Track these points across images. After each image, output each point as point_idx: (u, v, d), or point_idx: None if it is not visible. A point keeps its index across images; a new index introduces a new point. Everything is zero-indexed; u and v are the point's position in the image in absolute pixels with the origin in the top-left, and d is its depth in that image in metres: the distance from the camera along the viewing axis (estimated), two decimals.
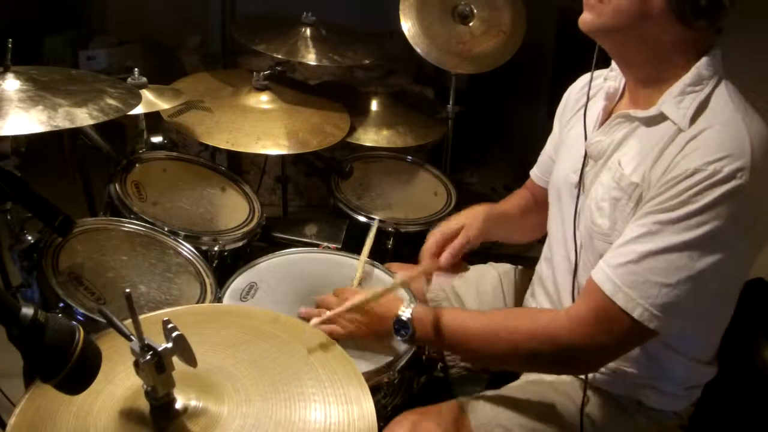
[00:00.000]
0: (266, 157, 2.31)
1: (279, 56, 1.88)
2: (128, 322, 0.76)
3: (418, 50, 2.00)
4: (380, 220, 1.56)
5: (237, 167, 2.58)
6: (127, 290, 0.74)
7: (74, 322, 0.73)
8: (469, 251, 1.40)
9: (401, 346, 1.19)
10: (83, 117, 1.17)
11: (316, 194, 2.89)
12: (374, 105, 2.15)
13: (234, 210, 1.65)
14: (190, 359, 0.78)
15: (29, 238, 1.27)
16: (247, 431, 0.79)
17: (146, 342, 0.74)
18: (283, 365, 0.91)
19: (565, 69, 1.22)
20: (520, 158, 1.52)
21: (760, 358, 1.20)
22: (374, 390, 1.13)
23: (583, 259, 1.14)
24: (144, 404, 0.80)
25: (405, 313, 1.14)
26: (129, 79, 1.58)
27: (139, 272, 1.33)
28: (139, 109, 1.46)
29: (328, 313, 1.18)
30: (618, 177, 1.06)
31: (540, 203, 1.39)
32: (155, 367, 0.75)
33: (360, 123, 2.05)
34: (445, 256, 1.36)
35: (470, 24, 2.09)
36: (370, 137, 2.03)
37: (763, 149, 0.94)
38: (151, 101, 1.60)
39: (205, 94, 1.88)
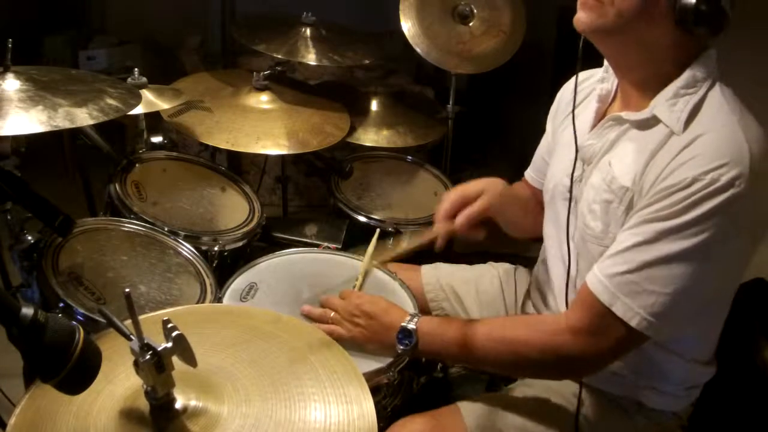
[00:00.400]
0: (266, 157, 2.31)
1: (279, 56, 1.88)
2: (128, 322, 0.76)
3: (418, 50, 2.00)
4: (381, 230, 1.52)
5: (237, 167, 2.58)
6: (127, 290, 0.74)
7: (74, 322, 0.73)
8: (486, 219, 1.28)
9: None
10: (83, 117, 1.17)
11: (316, 194, 2.89)
12: (374, 105, 2.14)
13: (234, 210, 1.65)
14: (190, 359, 0.78)
15: (29, 238, 1.27)
16: (247, 431, 0.79)
17: (146, 341, 0.74)
18: (283, 365, 0.91)
19: (565, 69, 1.22)
20: (520, 158, 1.51)
21: (759, 358, 1.20)
22: (374, 391, 1.12)
23: (577, 262, 1.14)
24: (144, 404, 0.80)
25: (410, 323, 1.14)
26: (129, 79, 1.58)
27: (139, 272, 1.33)
28: (139, 109, 1.46)
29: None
30: (609, 179, 1.05)
31: (537, 203, 1.38)
32: (155, 367, 0.75)
33: (360, 123, 2.05)
34: (460, 220, 1.23)
35: (470, 24, 2.08)
36: (370, 137, 2.03)
37: (761, 153, 0.93)
38: (151, 101, 1.60)
39: (205, 94, 1.88)
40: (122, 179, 1.53)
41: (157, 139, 1.71)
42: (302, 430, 0.81)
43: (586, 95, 1.20)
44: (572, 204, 1.14)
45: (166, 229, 1.44)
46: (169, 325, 0.77)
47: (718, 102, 0.98)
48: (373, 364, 1.15)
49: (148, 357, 0.74)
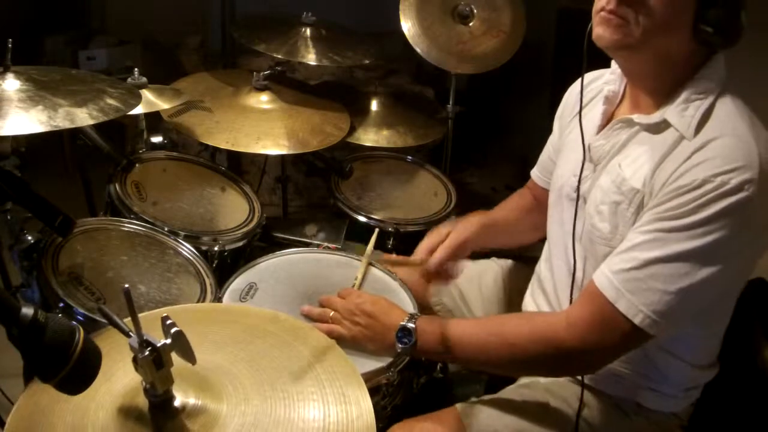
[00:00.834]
0: (266, 157, 2.31)
1: (279, 56, 1.88)
2: (127, 319, 0.76)
3: (418, 50, 2.00)
4: (381, 230, 1.53)
5: (237, 167, 2.58)
6: (126, 286, 0.74)
7: (74, 322, 0.73)
8: (467, 255, 1.38)
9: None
10: (83, 117, 1.17)
11: (316, 194, 2.89)
12: (374, 105, 2.14)
13: (234, 210, 1.65)
14: (189, 355, 0.78)
15: (29, 238, 1.27)
16: (246, 430, 0.79)
17: (145, 338, 0.74)
18: (282, 364, 0.91)
19: (565, 69, 1.22)
20: (521, 158, 1.52)
21: (760, 358, 1.20)
22: (374, 390, 1.13)
23: (582, 263, 1.14)
24: (143, 402, 0.80)
25: (409, 323, 1.15)
26: (129, 79, 1.58)
27: (139, 272, 1.33)
28: (139, 109, 1.46)
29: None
30: (619, 181, 1.05)
31: (541, 203, 1.38)
32: (154, 363, 0.75)
33: (360, 123, 2.05)
34: (437, 254, 1.32)
35: (470, 24, 2.09)
36: (370, 137, 2.03)
37: None
38: (151, 101, 1.60)
39: (205, 94, 1.88)
40: (122, 179, 1.53)
41: (157, 139, 1.71)
42: (301, 430, 0.81)
43: (593, 96, 1.21)
44: (579, 205, 1.14)
45: (166, 229, 1.44)
46: (168, 322, 0.77)
47: (729, 107, 0.99)
48: (373, 364, 1.15)
49: (147, 353, 0.74)
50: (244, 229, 1.57)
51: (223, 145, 1.72)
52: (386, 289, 1.35)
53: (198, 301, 1.30)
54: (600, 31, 1.01)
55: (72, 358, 0.70)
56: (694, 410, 1.21)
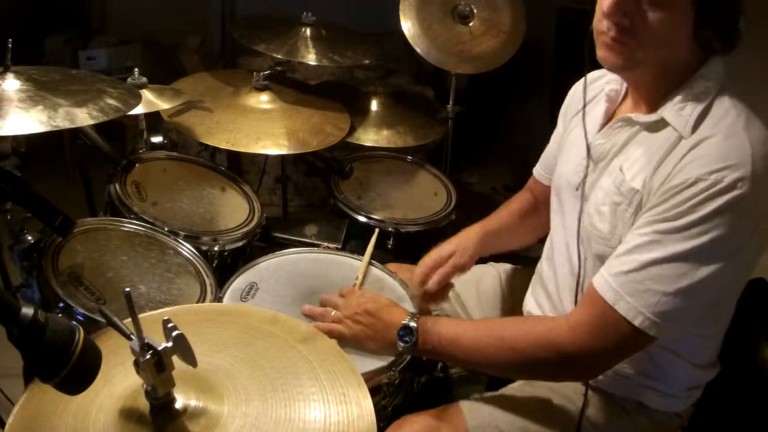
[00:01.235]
0: (266, 157, 2.31)
1: (279, 56, 1.88)
2: (128, 321, 0.76)
3: (418, 50, 2.00)
4: (381, 230, 1.54)
5: (237, 167, 2.58)
6: (127, 290, 0.74)
7: (74, 322, 0.73)
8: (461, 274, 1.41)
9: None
10: (83, 117, 1.17)
11: (316, 194, 2.89)
12: (374, 105, 2.15)
13: (234, 210, 1.65)
14: (190, 359, 0.78)
15: (29, 238, 1.27)
16: (247, 431, 0.79)
17: (146, 341, 0.74)
18: (283, 365, 0.91)
19: (565, 69, 1.22)
20: (521, 158, 1.52)
21: (760, 358, 1.20)
22: (375, 390, 1.13)
23: (585, 262, 1.14)
24: (144, 404, 0.80)
25: (411, 321, 1.15)
26: (129, 79, 1.58)
27: (139, 272, 1.33)
28: (139, 109, 1.46)
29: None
30: (619, 182, 1.06)
31: (542, 203, 1.39)
32: (155, 367, 0.75)
33: (360, 123, 2.05)
34: (434, 280, 1.36)
35: (470, 24, 2.09)
36: (370, 137, 2.03)
37: (764, 158, 0.94)
38: (151, 101, 1.60)
39: (205, 94, 1.88)
40: (122, 179, 1.53)
41: (157, 139, 1.71)
42: (302, 430, 0.81)
43: (596, 95, 1.21)
44: (581, 203, 1.14)
45: (166, 229, 1.44)
46: (170, 325, 0.76)
47: (725, 107, 0.99)
48: (374, 363, 1.15)
49: (148, 356, 0.74)
50: (244, 229, 1.57)
51: (223, 145, 1.72)
52: (386, 289, 1.35)
53: (198, 301, 1.30)
54: (603, 54, 1.03)
55: (72, 358, 0.70)
56: (694, 410, 1.21)
